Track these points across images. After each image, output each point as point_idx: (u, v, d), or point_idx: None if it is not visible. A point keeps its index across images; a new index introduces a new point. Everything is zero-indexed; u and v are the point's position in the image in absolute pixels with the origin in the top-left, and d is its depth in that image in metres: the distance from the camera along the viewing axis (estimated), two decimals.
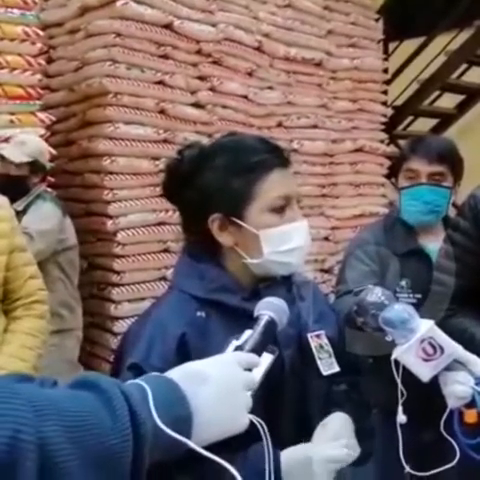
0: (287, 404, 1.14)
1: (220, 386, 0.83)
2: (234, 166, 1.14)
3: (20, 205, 2.90)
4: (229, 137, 1.27)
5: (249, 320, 1.03)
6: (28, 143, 2.92)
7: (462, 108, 5.84)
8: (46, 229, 2.81)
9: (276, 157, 1.16)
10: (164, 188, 1.23)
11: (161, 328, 1.10)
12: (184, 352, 1.06)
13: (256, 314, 1.02)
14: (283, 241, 1.13)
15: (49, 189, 3.19)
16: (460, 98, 5.86)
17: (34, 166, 2.92)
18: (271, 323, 1.00)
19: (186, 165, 1.18)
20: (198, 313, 1.12)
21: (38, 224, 2.78)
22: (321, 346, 1.20)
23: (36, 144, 2.96)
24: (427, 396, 1.18)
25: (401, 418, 1.21)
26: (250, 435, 0.90)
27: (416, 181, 1.96)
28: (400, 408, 1.21)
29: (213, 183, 1.14)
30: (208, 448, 0.78)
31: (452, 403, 1.14)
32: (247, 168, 1.13)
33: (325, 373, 1.18)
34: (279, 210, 1.14)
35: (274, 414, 1.02)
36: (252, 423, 0.89)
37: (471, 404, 1.11)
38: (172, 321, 1.11)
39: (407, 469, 1.29)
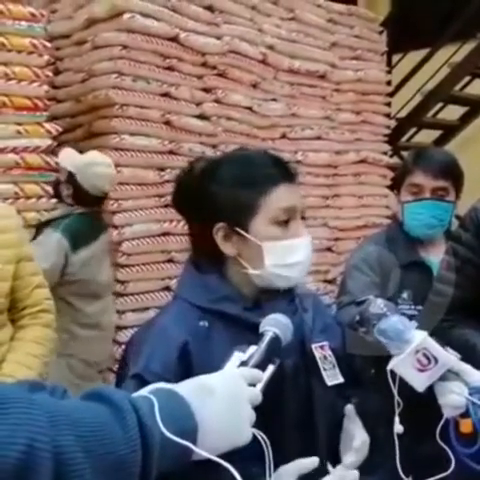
0: (290, 414, 1.14)
1: (225, 400, 0.85)
2: (241, 178, 1.16)
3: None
4: (238, 151, 1.31)
5: (251, 330, 1.05)
6: (81, 156, 2.91)
7: (465, 120, 5.86)
8: (44, 267, 2.46)
9: (283, 172, 1.18)
10: (173, 198, 1.25)
11: (163, 336, 1.12)
12: (186, 361, 1.08)
13: (261, 330, 1.04)
14: (285, 255, 1.14)
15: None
16: (463, 110, 5.88)
17: (70, 177, 2.90)
18: (275, 339, 1.02)
19: (195, 176, 1.20)
20: (201, 322, 1.13)
21: (37, 261, 2.63)
22: (325, 357, 1.21)
23: (81, 162, 2.89)
24: (427, 407, 1.20)
25: (398, 428, 1.22)
26: (252, 448, 0.92)
27: (420, 195, 1.97)
28: (397, 418, 1.22)
29: (220, 194, 1.16)
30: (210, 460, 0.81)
31: (447, 413, 1.15)
32: (254, 181, 1.15)
33: (330, 383, 1.19)
34: (283, 223, 1.15)
35: (275, 423, 1.03)
36: (255, 437, 0.91)
37: (466, 414, 1.13)
38: (174, 330, 1.12)
39: None
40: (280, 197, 1.15)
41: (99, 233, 3.00)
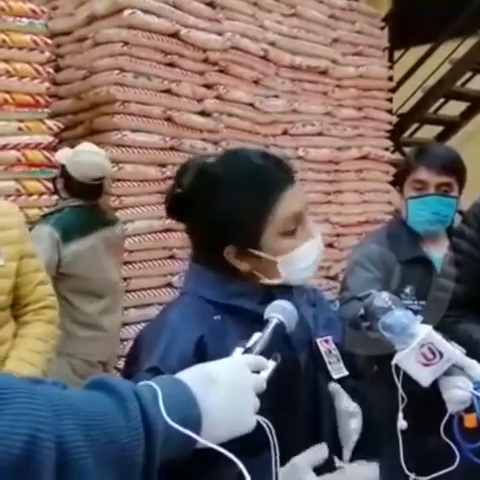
0: (300, 408, 1.15)
1: (229, 387, 0.85)
2: (242, 197, 1.11)
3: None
4: (231, 160, 1.20)
5: (263, 323, 1.04)
6: (72, 149, 2.90)
7: (466, 115, 5.86)
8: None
9: (284, 177, 1.15)
10: (169, 214, 1.20)
11: (178, 331, 1.10)
12: (201, 355, 1.06)
13: (266, 317, 1.03)
14: (300, 261, 1.15)
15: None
16: (465, 106, 5.88)
17: (62, 169, 2.88)
18: (280, 326, 1.01)
19: (186, 193, 1.14)
20: (214, 317, 1.13)
21: None
22: (330, 351, 1.21)
23: (72, 152, 2.88)
24: (431, 402, 1.19)
25: (401, 424, 1.21)
26: (258, 437, 0.92)
27: (424, 191, 1.97)
28: (400, 414, 1.21)
29: (223, 215, 1.11)
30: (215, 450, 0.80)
31: (452, 408, 1.15)
32: (257, 197, 1.11)
33: (335, 377, 1.18)
34: (292, 232, 1.14)
35: (286, 417, 1.03)
36: (260, 425, 0.90)
37: (471, 409, 1.12)
38: (189, 325, 1.11)
39: (412, 477, 1.29)
40: (285, 206, 1.12)
41: (97, 227, 2.91)
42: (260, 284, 1.17)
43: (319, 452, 1.04)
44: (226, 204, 1.10)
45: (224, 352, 0.97)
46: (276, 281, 1.15)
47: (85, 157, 2.85)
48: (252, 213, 1.10)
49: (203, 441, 0.79)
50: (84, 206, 2.87)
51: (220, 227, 1.11)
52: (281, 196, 1.12)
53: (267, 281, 1.16)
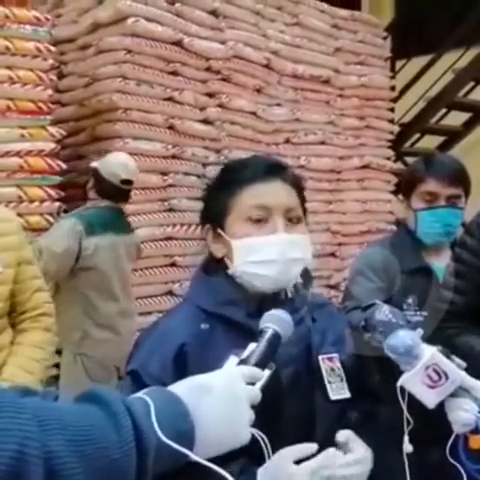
0: (288, 424, 1.11)
1: (223, 399, 0.83)
2: (219, 181, 1.23)
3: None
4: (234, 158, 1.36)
5: (251, 337, 1.03)
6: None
7: (469, 126, 5.86)
8: (56, 252, 2.71)
9: (258, 171, 1.19)
10: None
11: (163, 337, 1.13)
12: (181, 362, 1.07)
13: (261, 327, 1.02)
14: (253, 251, 1.13)
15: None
16: (467, 116, 5.88)
17: (94, 171, 2.98)
18: (275, 336, 1.00)
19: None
20: (202, 325, 1.13)
21: (50, 244, 2.70)
22: (332, 369, 1.17)
23: (107, 157, 3.04)
24: (433, 418, 1.18)
25: (407, 447, 1.19)
26: (250, 450, 0.90)
27: (435, 203, 1.97)
28: (406, 438, 1.19)
29: (205, 197, 1.25)
30: (209, 461, 0.79)
31: (457, 429, 1.14)
32: (228, 182, 1.20)
33: (333, 398, 1.15)
34: (255, 221, 1.15)
35: (270, 431, 0.99)
36: (253, 439, 0.89)
37: (476, 430, 1.11)
38: (175, 331, 1.13)
39: None
40: (253, 195, 1.16)
41: (119, 228, 3.02)
42: (252, 294, 1.16)
43: (306, 448, 1.02)
44: (208, 187, 1.25)
45: (207, 361, 0.97)
46: (232, 271, 1.16)
47: (114, 158, 3.03)
48: (220, 196, 1.20)
49: (195, 458, 0.78)
50: (109, 207, 2.99)
51: (203, 208, 1.25)
52: (251, 186, 1.17)
53: (229, 271, 1.17)
